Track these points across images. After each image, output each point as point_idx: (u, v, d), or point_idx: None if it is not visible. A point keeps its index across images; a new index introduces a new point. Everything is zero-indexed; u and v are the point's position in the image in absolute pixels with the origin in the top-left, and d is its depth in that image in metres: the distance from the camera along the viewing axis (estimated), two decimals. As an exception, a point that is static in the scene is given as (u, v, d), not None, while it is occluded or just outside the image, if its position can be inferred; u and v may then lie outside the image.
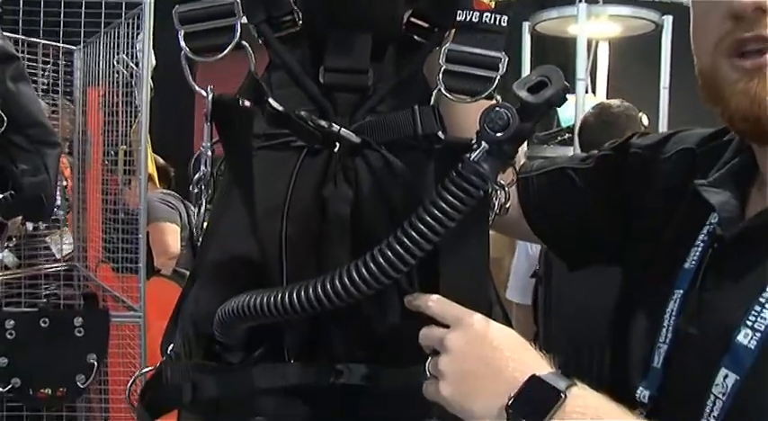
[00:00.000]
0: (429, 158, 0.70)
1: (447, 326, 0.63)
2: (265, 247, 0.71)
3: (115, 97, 2.54)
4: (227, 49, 0.63)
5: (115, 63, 2.48)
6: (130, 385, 0.75)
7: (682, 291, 0.70)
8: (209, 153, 0.66)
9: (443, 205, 0.61)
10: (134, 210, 2.44)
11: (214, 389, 0.73)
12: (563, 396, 0.56)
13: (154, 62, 2.55)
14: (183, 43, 0.64)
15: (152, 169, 2.83)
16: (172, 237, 3.11)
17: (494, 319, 0.65)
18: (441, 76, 0.67)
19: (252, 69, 0.65)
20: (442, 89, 0.67)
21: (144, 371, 0.77)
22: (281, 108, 0.64)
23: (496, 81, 0.66)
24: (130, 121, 2.53)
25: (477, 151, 0.62)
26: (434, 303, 0.65)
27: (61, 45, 2.57)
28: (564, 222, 0.91)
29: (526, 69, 3.48)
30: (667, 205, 0.79)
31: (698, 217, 0.74)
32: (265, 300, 0.65)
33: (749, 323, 0.62)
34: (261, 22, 0.69)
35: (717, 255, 0.69)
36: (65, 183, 2.74)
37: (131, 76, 2.43)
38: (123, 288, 2.46)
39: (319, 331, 0.73)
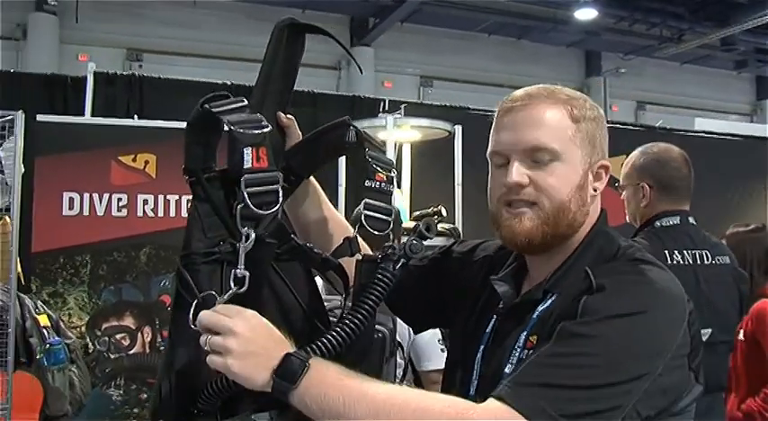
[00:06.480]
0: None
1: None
2: None
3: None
4: (277, 207, 0.99)
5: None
6: None
7: (483, 347, 1.18)
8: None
9: (378, 291, 1.04)
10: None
11: None
12: (308, 365, 0.92)
13: (22, 169, 2.71)
14: (248, 201, 0.96)
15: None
16: None
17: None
18: (363, 218, 1.11)
19: (278, 216, 1.03)
20: (366, 226, 1.11)
21: None
22: (301, 242, 1.05)
23: (392, 223, 1.11)
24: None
25: (399, 262, 1.06)
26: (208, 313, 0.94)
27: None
28: (411, 300, 1.34)
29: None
30: (477, 292, 1.27)
31: (493, 299, 1.22)
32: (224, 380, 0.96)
33: (512, 360, 1.07)
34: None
35: (498, 324, 1.18)
36: None
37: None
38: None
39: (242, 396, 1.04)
